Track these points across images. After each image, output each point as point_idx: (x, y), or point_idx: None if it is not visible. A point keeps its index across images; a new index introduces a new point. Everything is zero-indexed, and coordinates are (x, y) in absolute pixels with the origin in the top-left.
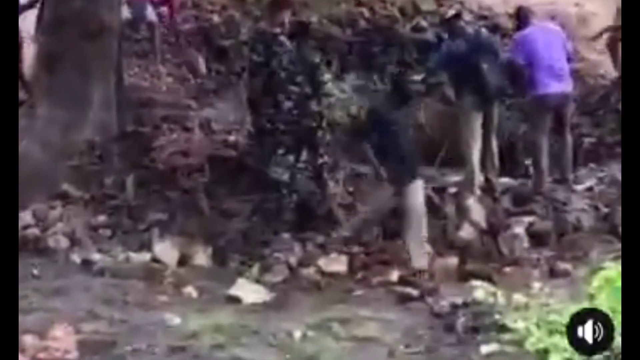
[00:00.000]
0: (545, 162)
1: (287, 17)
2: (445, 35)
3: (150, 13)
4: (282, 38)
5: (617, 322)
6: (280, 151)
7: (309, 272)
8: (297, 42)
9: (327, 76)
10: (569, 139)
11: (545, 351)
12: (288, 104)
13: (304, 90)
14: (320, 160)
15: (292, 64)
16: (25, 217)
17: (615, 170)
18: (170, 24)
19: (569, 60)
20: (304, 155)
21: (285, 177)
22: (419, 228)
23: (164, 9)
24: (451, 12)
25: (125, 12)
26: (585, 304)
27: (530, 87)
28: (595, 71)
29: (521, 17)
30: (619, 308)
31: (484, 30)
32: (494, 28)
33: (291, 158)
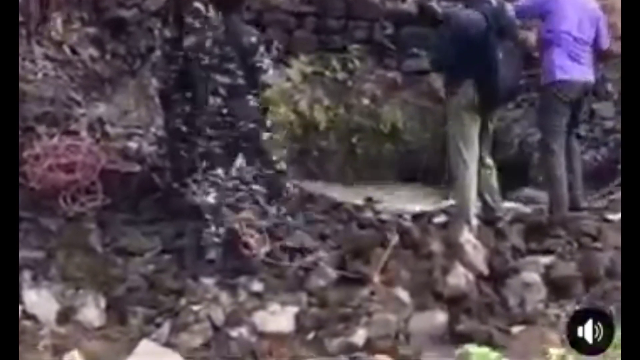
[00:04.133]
0: (564, 177)
1: None
2: (434, 3)
3: None
4: (201, 5)
5: None
6: (205, 164)
7: (240, 332)
8: (226, 15)
9: (266, 61)
10: (577, 148)
11: None
12: (215, 100)
13: (236, 80)
14: (276, 167)
15: (219, 45)
16: None
17: None
18: None
19: (598, 48)
20: (236, 168)
21: (211, 199)
22: None
23: None
24: None
25: None
26: None
27: (546, 71)
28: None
29: None
30: None
31: (508, 5)
32: None
33: (220, 172)
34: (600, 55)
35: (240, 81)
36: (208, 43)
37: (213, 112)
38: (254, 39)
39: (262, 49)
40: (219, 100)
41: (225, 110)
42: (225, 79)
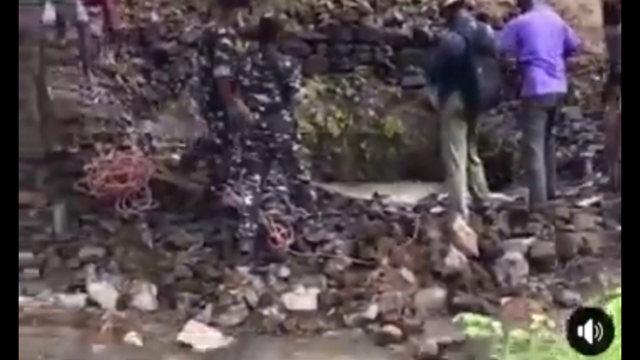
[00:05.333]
0: (542, 172)
1: (240, 14)
2: (426, 29)
3: (81, 13)
4: (228, 41)
5: None
6: (244, 170)
7: (271, 311)
8: (264, 44)
9: (298, 82)
10: (552, 146)
11: None
12: (255, 116)
13: (274, 99)
14: (302, 177)
15: (258, 69)
16: None
17: None
18: (104, 25)
19: (571, 52)
20: (272, 173)
21: (248, 200)
22: None
23: (97, 9)
24: None
25: (49, 13)
26: None
27: (526, 84)
28: (600, 66)
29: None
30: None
31: (488, 27)
32: (481, 18)
33: (257, 178)
34: (571, 55)
35: (277, 99)
36: (248, 67)
37: (254, 125)
38: (288, 64)
39: (296, 71)
40: (257, 115)
41: (263, 124)
42: (264, 98)
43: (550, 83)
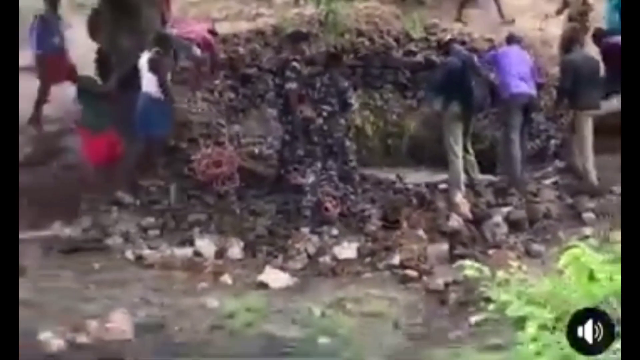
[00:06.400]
0: (519, 157)
1: (306, 46)
2: (434, 57)
3: (195, 50)
4: (296, 64)
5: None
6: (310, 159)
7: (325, 259)
8: (329, 68)
9: (354, 98)
10: (525, 141)
11: (523, 318)
12: (319, 121)
13: (334, 108)
14: (351, 164)
15: (325, 87)
16: (86, 221)
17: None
18: (212, 62)
19: (534, 76)
20: (330, 162)
21: (311, 180)
22: None
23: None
24: (448, 37)
25: None
26: (556, 278)
27: (504, 89)
28: (556, 83)
29: (509, 40)
30: (584, 281)
31: (474, 55)
32: (472, 50)
33: (318, 164)
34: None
35: (337, 109)
36: (317, 85)
37: (319, 127)
38: (346, 84)
39: (351, 90)
40: (321, 120)
41: (325, 127)
42: (328, 107)
43: (521, 86)
